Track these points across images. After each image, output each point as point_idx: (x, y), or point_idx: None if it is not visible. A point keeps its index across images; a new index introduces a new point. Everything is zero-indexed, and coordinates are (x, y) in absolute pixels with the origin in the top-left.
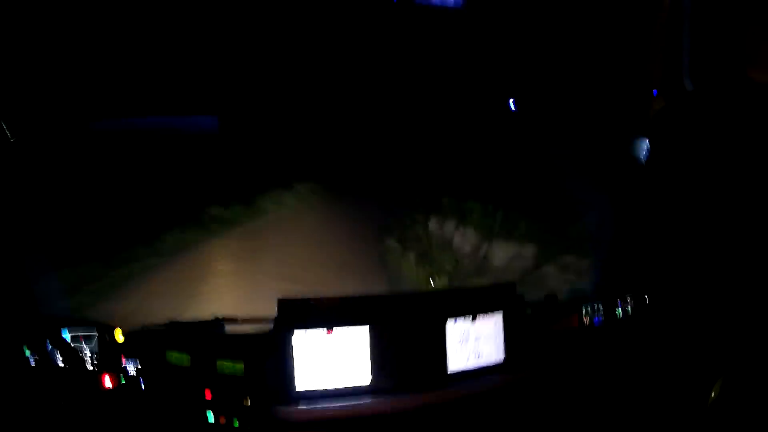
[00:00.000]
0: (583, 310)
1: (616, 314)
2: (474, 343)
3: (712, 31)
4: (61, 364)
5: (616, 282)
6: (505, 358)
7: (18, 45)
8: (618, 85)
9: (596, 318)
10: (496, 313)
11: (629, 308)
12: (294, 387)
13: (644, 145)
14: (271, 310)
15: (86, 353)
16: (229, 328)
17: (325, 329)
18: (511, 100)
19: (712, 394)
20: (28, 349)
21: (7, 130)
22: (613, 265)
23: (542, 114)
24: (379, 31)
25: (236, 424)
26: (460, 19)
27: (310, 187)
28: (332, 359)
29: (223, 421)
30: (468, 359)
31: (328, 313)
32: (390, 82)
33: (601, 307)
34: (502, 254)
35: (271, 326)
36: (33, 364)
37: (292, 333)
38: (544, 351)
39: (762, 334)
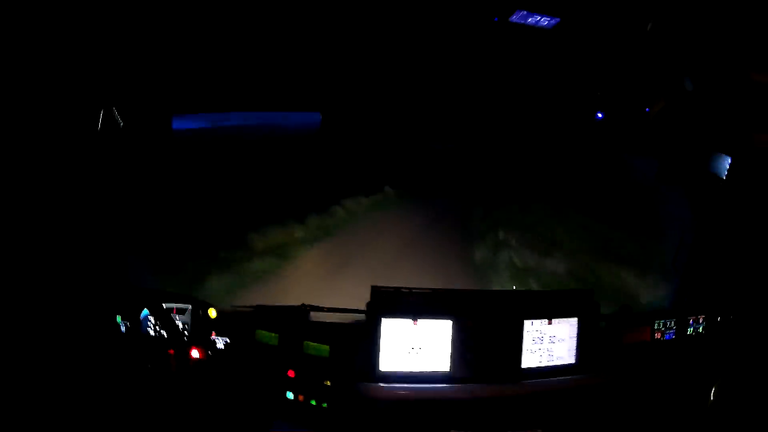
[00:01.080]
0: (656, 325)
1: (687, 332)
2: (548, 343)
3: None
4: (152, 333)
5: (692, 300)
6: (577, 361)
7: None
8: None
9: (668, 334)
10: (571, 317)
11: (701, 327)
12: (379, 367)
13: (725, 163)
14: (356, 304)
15: (179, 326)
16: (315, 315)
17: (411, 320)
18: (598, 113)
19: None
20: (121, 317)
21: (119, 117)
22: (691, 283)
23: (628, 127)
24: (478, 45)
25: (313, 402)
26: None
27: (399, 192)
28: (416, 346)
29: (301, 398)
30: (541, 358)
31: (415, 304)
32: (483, 93)
33: (673, 323)
34: (579, 262)
35: (354, 317)
36: (124, 331)
37: (381, 319)
38: (615, 359)
39: None
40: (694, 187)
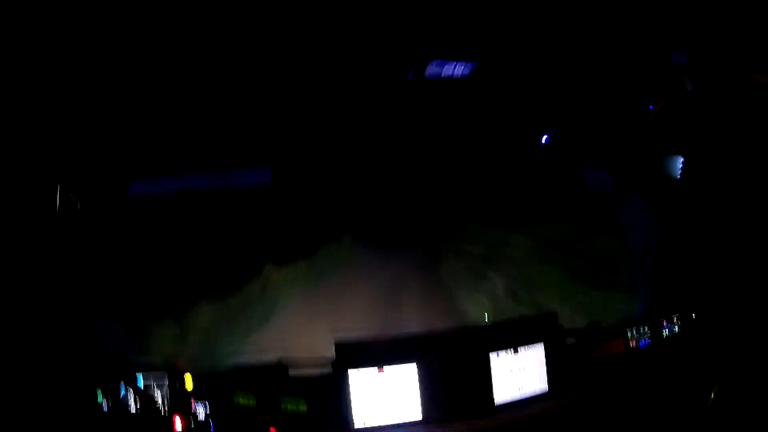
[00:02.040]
0: (629, 334)
1: (662, 335)
2: (518, 373)
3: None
4: (134, 409)
5: (664, 302)
6: (549, 387)
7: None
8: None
9: (642, 341)
10: (537, 344)
11: (676, 327)
12: (352, 424)
13: (679, 162)
14: (329, 352)
15: (158, 398)
16: (292, 370)
17: (376, 368)
18: (543, 137)
19: None
20: (102, 394)
21: (72, 197)
22: (660, 286)
23: (572, 145)
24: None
25: None
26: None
27: (354, 238)
28: (385, 395)
29: None
30: (512, 389)
31: (379, 353)
32: (421, 132)
33: (647, 329)
34: (543, 281)
35: (328, 368)
36: (105, 409)
37: (347, 372)
38: (588, 377)
39: None
40: (651, 191)
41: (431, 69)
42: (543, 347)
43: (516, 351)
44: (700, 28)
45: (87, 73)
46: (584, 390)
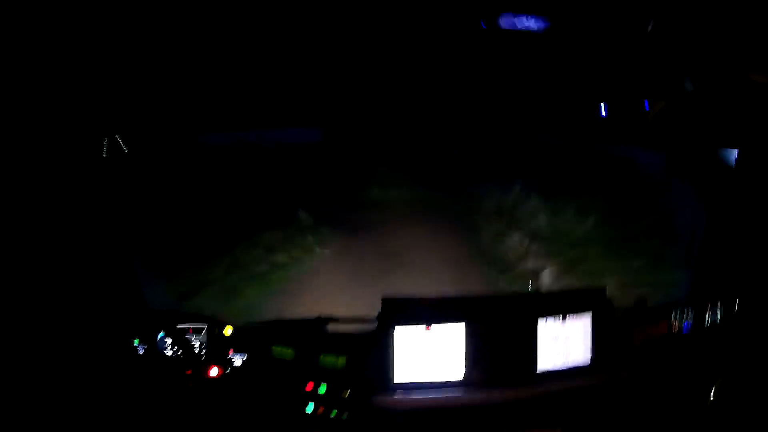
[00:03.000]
0: (673, 316)
1: (704, 320)
2: (563, 343)
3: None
4: (170, 354)
5: (708, 288)
6: (592, 360)
7: (136, 63)
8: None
9: (685, 324)
10: (585, 315)
11: (719, 314)
12: (392, 378)
13: (734, 151)
14: (371, 312)
15: (196, 345)
16: (331, 326)
17: (423, 326)
18: (601, 105)
19: None
20: (139, 339)
21: (122, 143)
22: (706, 270)
23: (634, 121)
24: (470, 53)
25: (334, 414)
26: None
27: (406, 193)
28: (429, 353)
29: (321, 411)
30: (557, 359)
31: (427, 311)
32: (484, 95)
33: (691, 312)
34: (593, 255)
35: (370, 326)
36: (141, 352)
37: (393, 328)
38: (632, 355)
39: None
40: (703, 179)
41: (505, 19)
42: (591, 318)
43: (564, 319)
44: None
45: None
46: (627, 368)
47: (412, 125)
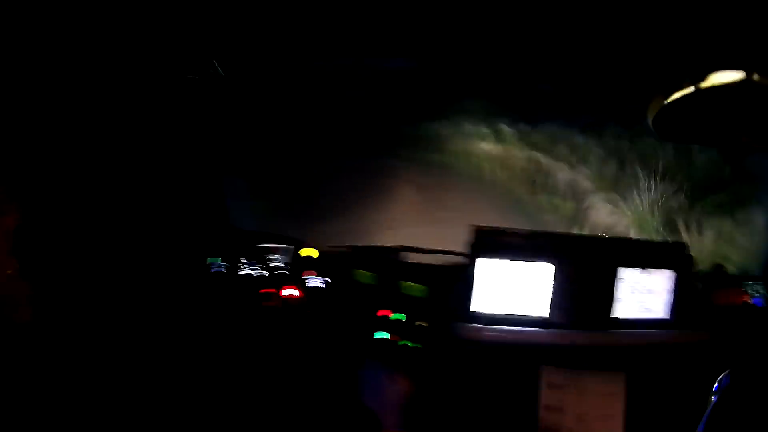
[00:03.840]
0: (746, 289)
1: None
2: (644, 294)
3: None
4: (253, 273)
5: None
6: (671, 316)
7: None
8: None
9: (755, 299)
10: (667, 269)
11: None
12: (475, 308)
13: None
14: (453, 245)
15: (280, 266)
16: (414, 256)
17: (510, 260)
18: None
19: None
20: (221, 259)
21: (219, 67)
22: None
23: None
24: None
25: (408, 343)
26: None
27: (499, 128)
28: (514, 288)
29: (395, 339)
30: (634, 309)
31: (516, 245)
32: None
33: (763, 289)
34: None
35: (451, 259)
36: (223, 271)
37: (479, 258)
38: (708, 318)
39: None
40: None
41: None
42: (672, 274)
43: (646, 272)
44: None
45: None
46: (704, 330)
47: (502, 56)
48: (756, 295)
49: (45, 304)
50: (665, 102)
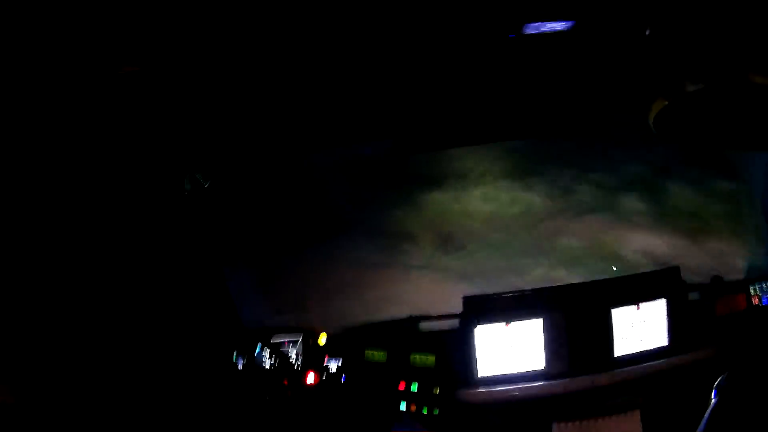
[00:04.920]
0: (752, 291)
1: None
2: (639, 327)
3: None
4: (268, 366)
5: None
6: (669, 343)
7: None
8: None
9: (765, 297)
10: (659, 299)
11: None
12: (476, 373)
13: None
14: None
15: (292, 355)
16: (422, 325)
17: (503, 323)
18: None
19: None
20: (238, 354)
21: (201, 180)
22: None
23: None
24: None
25: (425, 411)
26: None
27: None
28: (510, 348)
29: (414, 408)
30: (633, 344)
31: (506, 307)
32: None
33: None
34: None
35: (456, 323)
36: (240, 367)
37: (475, 326)
38: (710, 333)
39: None
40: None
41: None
42: (665, 303)
43: (638, 306)
44: None
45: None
46: (706, 347)
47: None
48: (764, 293)
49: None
50: (666, 102)
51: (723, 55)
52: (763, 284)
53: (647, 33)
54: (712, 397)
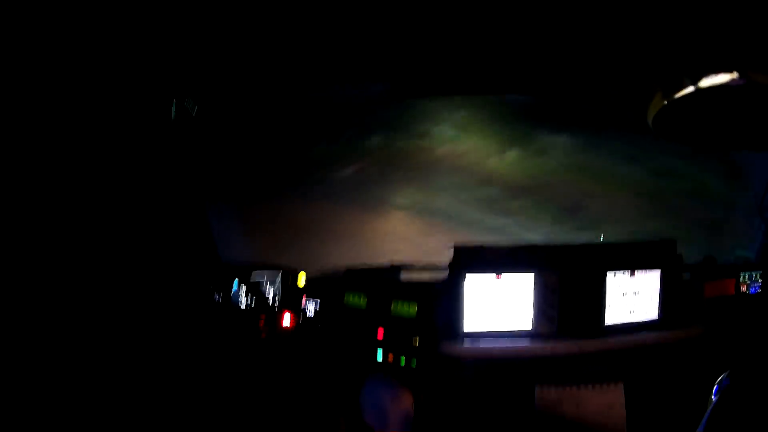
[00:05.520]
0: (741, 278)
1: None
2: (631, 297)
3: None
4: (245, 304)
5: None
6: (660, 316)
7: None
8: None
9: (753, 287)
10: (654, 270)
11: None
12: (462, 326)
13: None
14: (443, 258)
15: (269, 294)
16: (404, 274)
17: (494, 274)
18: None
19: None
20: (215, 290)
21: (190, 108)
22: None
23: None
24: None
25: (402, 362)
26: None
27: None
28: (498, 303)
29: (391, 359)
30: (624, 313)
31: (498, 260)
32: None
33: (759, 276)
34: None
35: (442, 274)
36: (218, 300)
37: (464, 276)
38: (699, 313)
39: None
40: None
41: None
42: (660, 273)
43: (633, 273)
44: None
45: None
46: (693, 325)
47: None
48: (752, 282)
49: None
50: (665, 102)
51: (723, 54)
52: (753, 274)
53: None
54: (713, 396)
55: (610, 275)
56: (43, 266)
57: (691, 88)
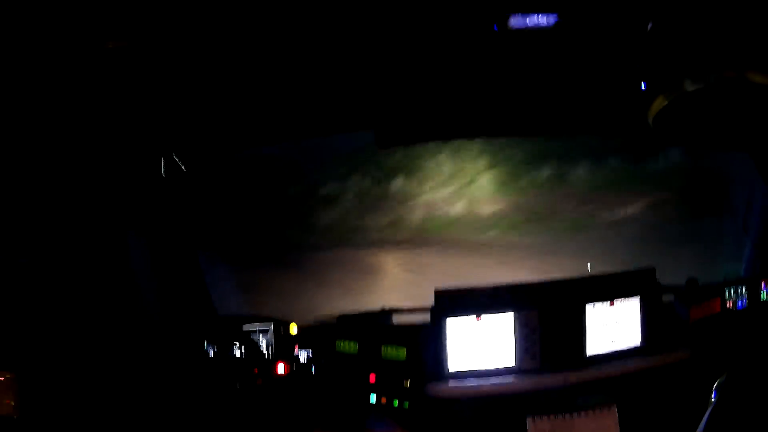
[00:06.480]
0: (726, 294)
1: (760, 297)
2: (612, 326)
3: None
4: (238, 355)
5: (763, 264)
6: (643, 342)
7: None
8: None
9: (740, 302)
10: (633, 298)
11: None
12: (446, 367)
13: None
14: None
15: (262, 345)
16: (395, 317)
17: (474, 316)
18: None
19: None
20: (208, 342)
21: (179, 162)
22: (761, 246)
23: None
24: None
25: (396, 404)
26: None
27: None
28: (481, 343)
29: (384, 401)
30: (606, 342)
31: (477, 302)
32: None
33: (745, 290)
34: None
35: (428, 316)
36: (211, 355)
37: (445, 321)
38: (684, 336)
39: None
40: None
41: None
42: (639, 301)
43: (612, 303)
44: None
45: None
46: (680, 349)
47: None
48: (740, 298)
49: None
50: (666, 101)
51: (723, 54)
52: (739, 288)
53: (649, 28)
54: (712, 397)
55: (588, 307)
56: (41, 312)
57: (690, 89)
